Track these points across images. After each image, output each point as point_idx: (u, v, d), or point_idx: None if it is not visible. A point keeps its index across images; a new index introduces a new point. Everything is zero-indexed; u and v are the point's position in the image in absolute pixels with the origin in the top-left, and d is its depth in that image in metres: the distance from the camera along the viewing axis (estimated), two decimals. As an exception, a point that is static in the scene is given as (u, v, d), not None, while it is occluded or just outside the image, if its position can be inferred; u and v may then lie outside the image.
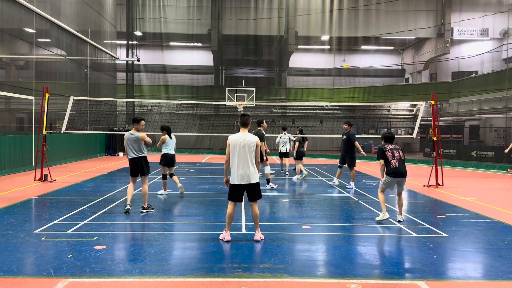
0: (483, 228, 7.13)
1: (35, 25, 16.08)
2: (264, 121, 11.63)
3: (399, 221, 7.37)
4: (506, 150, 16.55)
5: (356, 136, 12.09)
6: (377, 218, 7.50)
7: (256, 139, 6.01)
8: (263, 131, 11.33)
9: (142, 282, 4.46)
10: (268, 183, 11.31)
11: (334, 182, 12.33)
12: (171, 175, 9.96)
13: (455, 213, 8.40)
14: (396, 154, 7.22)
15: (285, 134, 14.63)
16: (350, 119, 13.67)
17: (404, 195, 10.37)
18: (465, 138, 31.01)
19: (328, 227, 7.14)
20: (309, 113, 30.47)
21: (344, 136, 11.71)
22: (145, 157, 7.85)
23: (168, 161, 9.68)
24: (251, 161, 5.91)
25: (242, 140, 5.91)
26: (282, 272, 4.80)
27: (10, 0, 14.43)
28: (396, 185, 7.32)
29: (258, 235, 6.07)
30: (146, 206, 7.89)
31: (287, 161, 15.07)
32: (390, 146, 7.33)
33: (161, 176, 10.02)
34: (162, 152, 9.66)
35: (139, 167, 7.81)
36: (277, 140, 15.00)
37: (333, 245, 5.99)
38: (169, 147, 9.68)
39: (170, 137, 9.75)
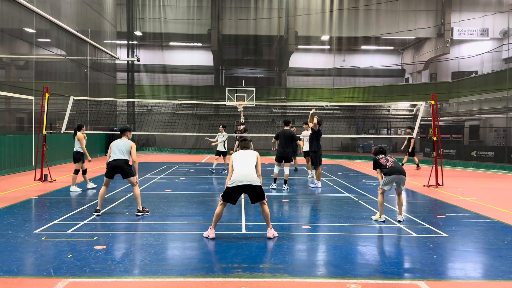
0: (483, 228, 7.13)
1: (35, 25, 16.08)
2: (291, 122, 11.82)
3: (399, 221, 7.38)
4: (403, 147, 17.45)
5: (356, 136, 12.25)
6: (373, 217, 7.61)
7: (256, 154, 6.46)
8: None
9: (142, 282, 4.46)
10: (285, 183, 11.25)
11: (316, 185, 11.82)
12: (75, 171, 10.64)
13: (455, 213, 8.40)
14: (390, 159, 7.42)
15: (222, 132, 15.07)
16: (349, 119, 13.78)
17: (404, 195, 10.38)
18: (465, 138, 31.00)
19: (328, 227, 7.14)
20: (309, 113, 30.40)
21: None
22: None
23: (74, 157, 10.67)
24: (254, 166, 6.25)
25: (245, 153, 6.43)
26: (282, 272, 4.80)
27: (10, 0, 14.43)
28: (395, 184, 7.34)
29: (271, 232, 6.22)
30: (140, 208, 7.73)
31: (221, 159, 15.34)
32: (382, 155, 7.51)
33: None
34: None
35: None
36: (217, 139, 15.19)
37: (333, 245, 5.99)
38: (76, 145, 10.66)
39: (75, 135, 10.63)
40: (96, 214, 7.55)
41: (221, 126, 15.50)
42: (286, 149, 11.07)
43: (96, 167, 16.80)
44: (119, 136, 7.94)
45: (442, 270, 5.00)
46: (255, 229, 6.74)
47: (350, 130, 31.14)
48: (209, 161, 20.97)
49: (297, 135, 12.75)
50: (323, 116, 30.00)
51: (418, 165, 17.76)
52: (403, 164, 17.09)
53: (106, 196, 7.84)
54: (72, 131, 11.05)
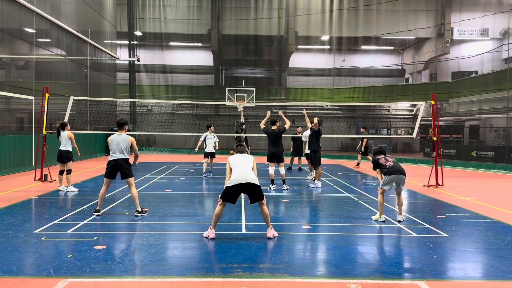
0: (483, 228, 7.13)
1: (35, 25, 16.08)
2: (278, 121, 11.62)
3: (399, 221, 7.38)
4: (358, 147, 17.81)
5: (356, 136, 12.30)
6: (373, 217, 7.62)
7: (252, 158, 6.65)
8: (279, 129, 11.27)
9: (142, 282, 4.47)
10: (284, 183, 11.29)
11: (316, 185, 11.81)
12: (68, 171, 10.45)
13: (455, 213, 8.40)
14: (389, 159, 7.45)
15: (211, 133, 14.28)
16: (350, 119, 13.99)
17: (404, 195, 10.38)
18: (465, 138, 31.01)
19: (328, 227, 7.14)
20: (309, 113, 30.38)
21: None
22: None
23: (58, 156, 10.48)
24: (251, 168, 6.41)
25: (241, 156, 6.61)
26: (282, 272, 4.80)
27: (10, 0, 14.44)
28: (395, 184, 7.34)
29: (271, 232, 6.25)
30: (139, 209, 7.68)
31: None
32: (382, 155, 7.54)
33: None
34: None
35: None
36: (201, 139, 14.47)
37: (333, 245, 5.99)
38: (61, 143, 10.51)
39: (59, 134, 10.56)
40: (96, 214, 7.55)
41: (212, 126, 14.57)
42: (275, 149, 11.07)
43: (97, 167, 16.81)
44: (116, 131, 7.81)
45: (442, 270, 5.00)
46: (255, 229, 6.75)
47: (350, 130, 31.13)
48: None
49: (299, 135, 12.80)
50: (323, 116, 30.02)
51: (358, 164, 17.96)
52: (358, 164, 17.89)
53: (106, 196, 7.84)
54: (72, 131, 10.93)
